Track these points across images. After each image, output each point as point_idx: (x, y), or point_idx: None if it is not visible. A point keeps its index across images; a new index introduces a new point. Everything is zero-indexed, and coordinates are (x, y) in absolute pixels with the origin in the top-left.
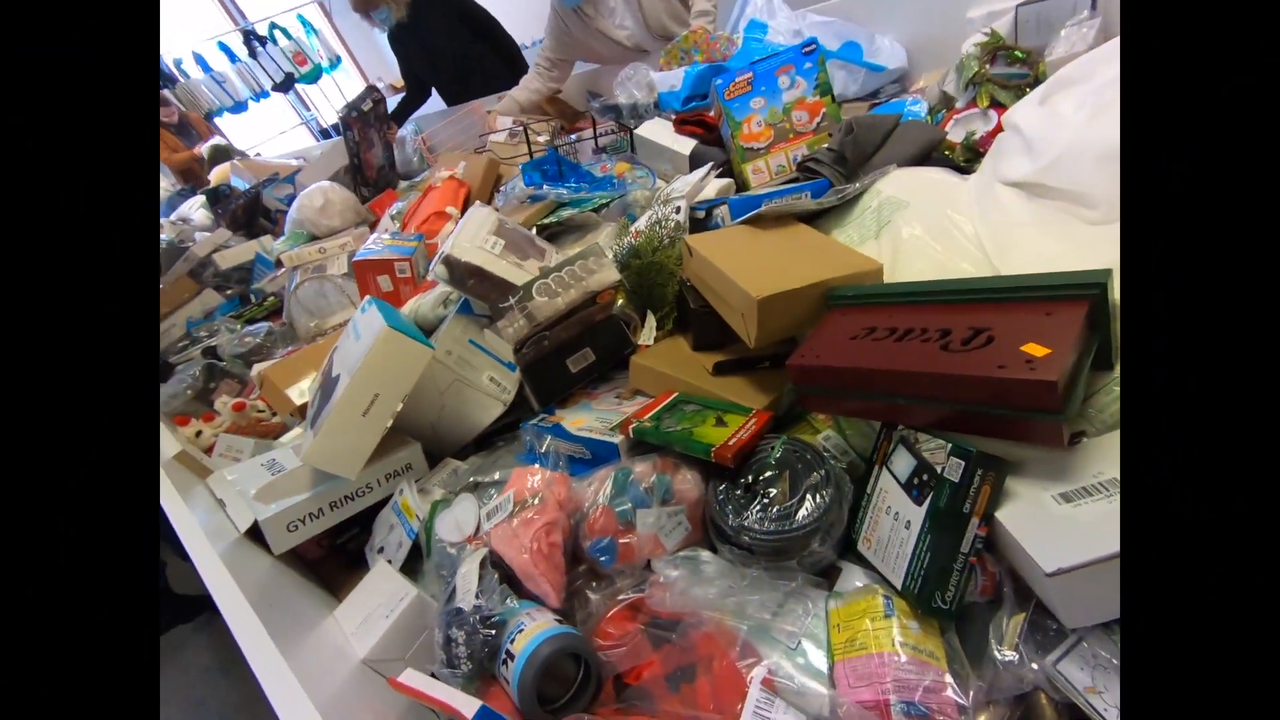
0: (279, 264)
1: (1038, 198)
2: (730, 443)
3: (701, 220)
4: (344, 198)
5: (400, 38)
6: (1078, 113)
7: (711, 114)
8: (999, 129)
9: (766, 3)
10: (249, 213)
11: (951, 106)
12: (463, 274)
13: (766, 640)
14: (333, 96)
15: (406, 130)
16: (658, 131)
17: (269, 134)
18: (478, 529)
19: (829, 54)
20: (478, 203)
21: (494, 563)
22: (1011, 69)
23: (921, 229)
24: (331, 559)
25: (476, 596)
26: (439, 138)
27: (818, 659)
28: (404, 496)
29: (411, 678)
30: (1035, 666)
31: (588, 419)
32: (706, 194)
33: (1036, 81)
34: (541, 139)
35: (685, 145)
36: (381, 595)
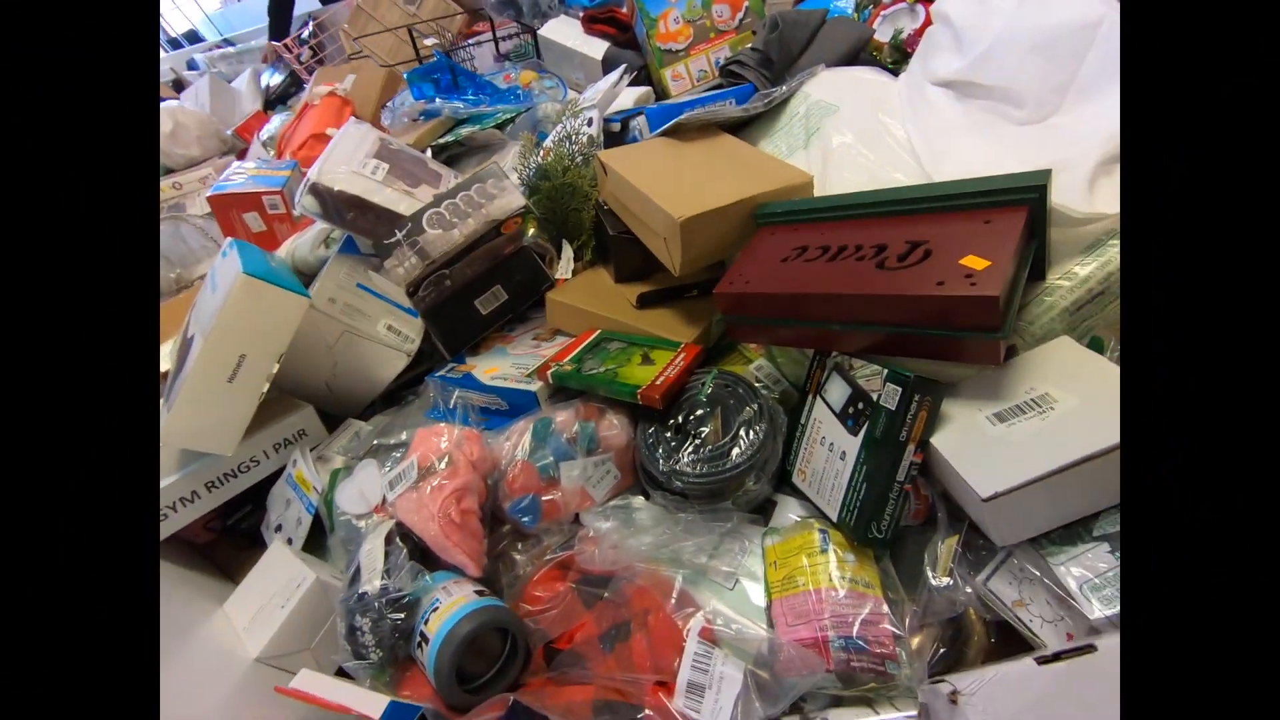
0: None
1: (968, 98)
2: (658, 382)
3: (616, 134)
4: (200, 120)
5: None
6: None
7: (624, 10)
8: (927, 24)
9: None
10: None
11: (878, 2)
12: (338, 205)
13: (704, 585)
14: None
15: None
16: (565, 32)
17: None
18: (384, 498)
19: None
20: (352, 119)
21: (402, 535)
22: None
23: (852, 135)
24: (224, 542)
25: (383, 576)
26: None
27: (756, 596)
28: (298, 468)
29: (306, 680)
30: (969, 590)
31: (502, 366)
32: (621, 103)
33: None
34: (429, 42)
35: (597, 48)
36: (276, 582)
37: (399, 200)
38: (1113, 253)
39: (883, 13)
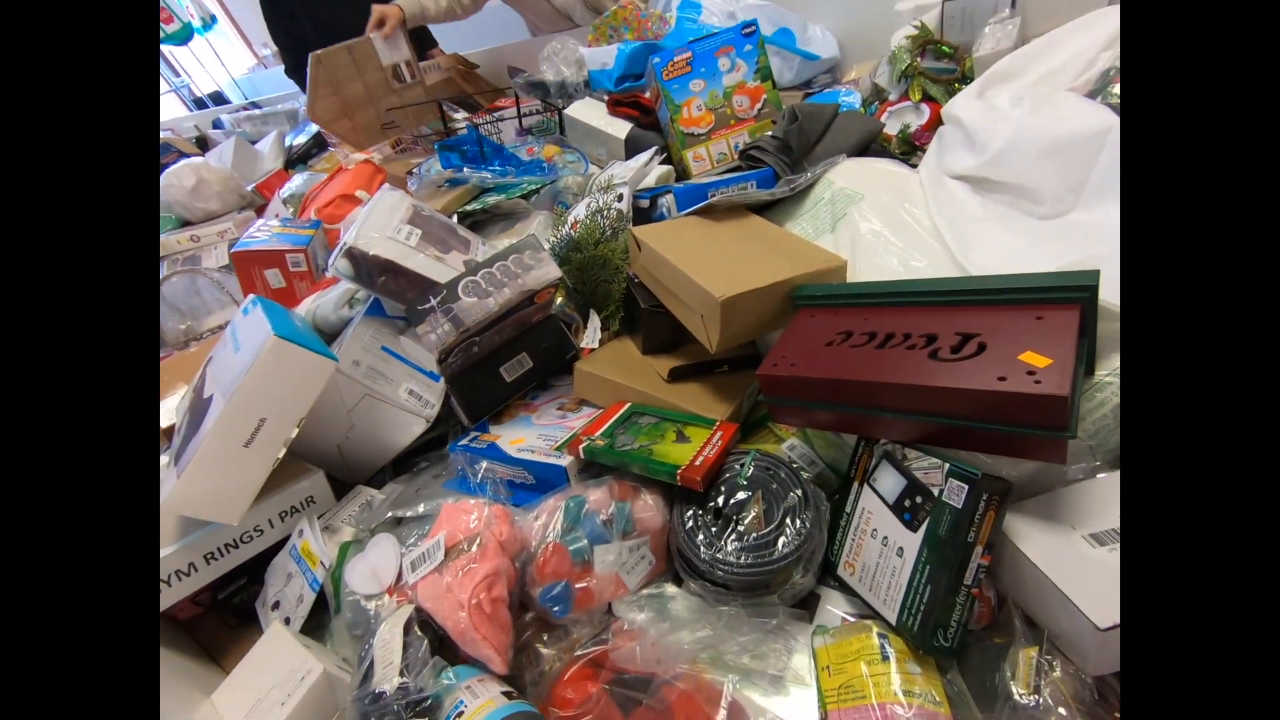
0: None
1: (986, 192)
2: (697, 462)
3: (645, 210)
4: (222, 176)
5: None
6: (1015, 107)
7: (647, 95)
8: (933, 122)
9: None
10: None
11: (884, 99)
12: (371, 269)
13: (747, 687)
14: (208, 62)
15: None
16: (589, 112)
17: None
18: (399, 578)
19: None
20: (386, 185)
21: (421, 623)
22: (940, 63)
23: (879, 222)
24: (212, 618)
25: (401, 673)
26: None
27: (804, 703)
28: (305, 539)
29: None
30: (1063, 711)
31: (528, 437)
32: (648, 181)
33: (964, 77)
34: (459, 115)
35: (620, 128)
36: (275, 672)
37: (430, 266)
38: None
39: (889, 109)
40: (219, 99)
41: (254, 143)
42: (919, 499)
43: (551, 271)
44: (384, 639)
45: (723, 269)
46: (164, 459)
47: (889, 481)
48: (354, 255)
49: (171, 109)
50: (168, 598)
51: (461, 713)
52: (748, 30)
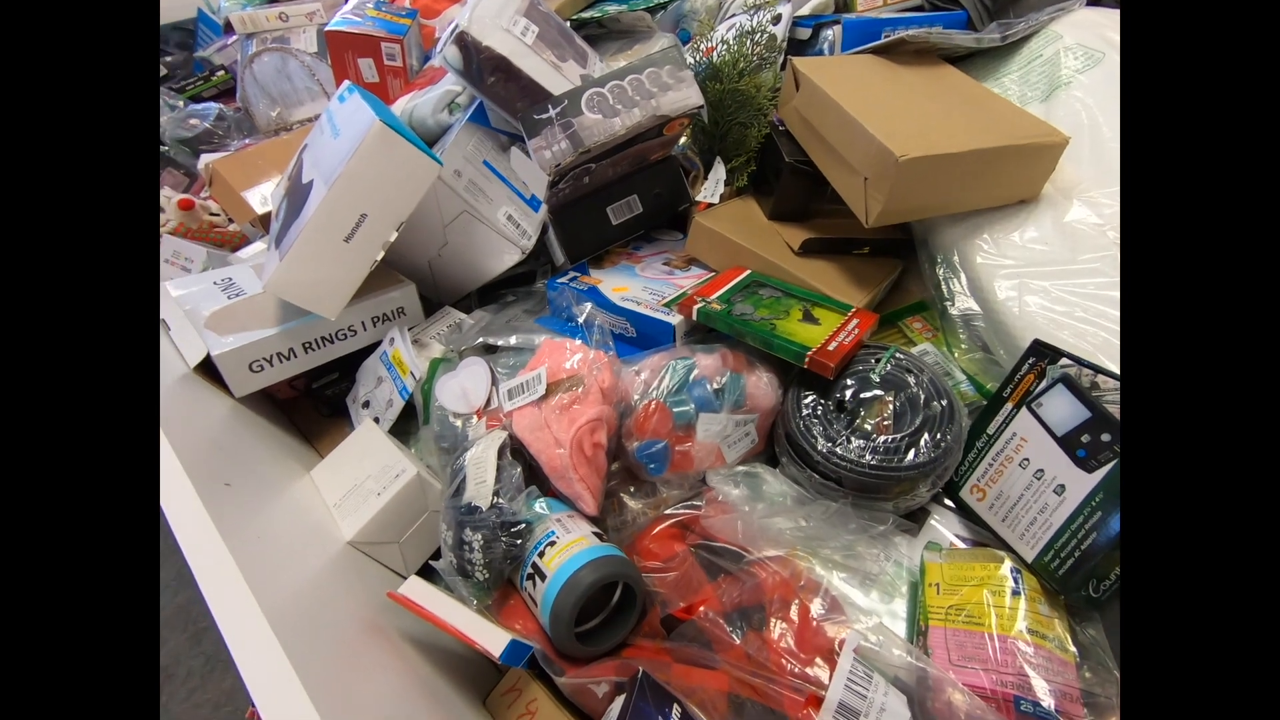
0: (228, 28)
1: None
2: (830, 347)
3: (803, 42)
4: None
5: None
6: None
7: None
8: None
9: None
10: None
11: None
12: (482, 65)
13: (841, 584)
14: None
15: None
16: None
17: None
18: (488, 402)
19: None
20: None
21: (514, 451)
22: None
23: (1118, 99)
24: (305, 404)
25: (495, 494)
26: None
27: (897, 611)
28: (395, 347)
29: (418, 592)
30: None
31: (632, 287)
32: (805, 10)
33: None
34: None
35: None
36: (371, 465)
37: (546, 72)
38: None
39: None
40: None
41: None
42: (1105, 436)
43: (693, 97)
44: (477, 458)
45: (906, 123)
46: (260, 244)
47: (1062, 409)
48: (465, 43)
49: None
50: (267, 377)
51: (554, 542)
52: None
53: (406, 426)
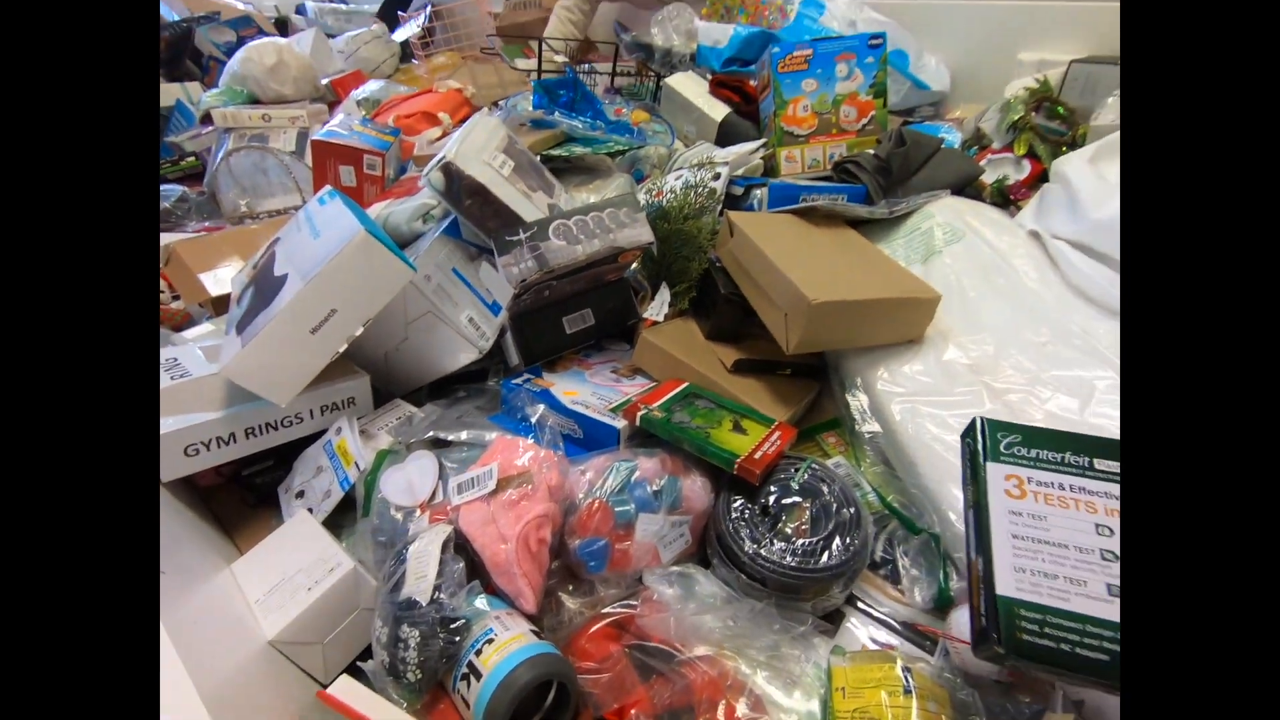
0: (205, 119)
1: (1090, 258)
2: (756, 456)
3: (737, 197)
4: (302, 64)
5: None
6: None
7: (753, 83)
8: (1031, 179)
9: None
10: (174, 50)
11: (985, 145)
12: (462, 189)
13: (763, 684)
14: None
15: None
16: (691, 87)
17: None
18: (432, 496)
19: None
20: (485, 110)
21: (457, 546)
22: (1053, 123)
23: (974, 268)
24: (228, 491)
25: (435, 589)
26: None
27: (813, 714)
28: (342, 437)
29: (348, 692)
30: None
31: (581, 391)
32: (744, 169)
33: (1073, 143)
34: (559, 58)
35: (719, 110)
36: (304, 558)
37: (518, 200)
38: None
39: (990, 156)
40: None
41: (332, 37)
42: None
43: (644, 234)
44: (420, 551)
45: (818, 273)
46: (206, 325)
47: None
48: (450, 171)
49: None
50: (202, 461)
51: (492, 639)
52: (874, 42)
53: (339, 520)
